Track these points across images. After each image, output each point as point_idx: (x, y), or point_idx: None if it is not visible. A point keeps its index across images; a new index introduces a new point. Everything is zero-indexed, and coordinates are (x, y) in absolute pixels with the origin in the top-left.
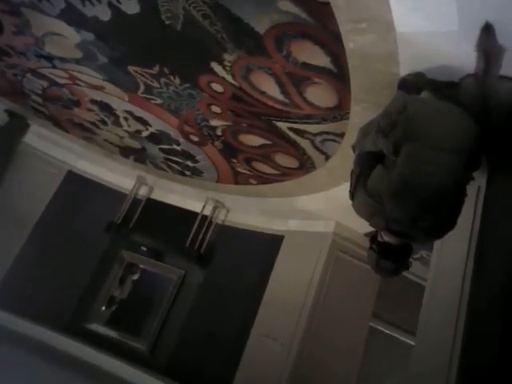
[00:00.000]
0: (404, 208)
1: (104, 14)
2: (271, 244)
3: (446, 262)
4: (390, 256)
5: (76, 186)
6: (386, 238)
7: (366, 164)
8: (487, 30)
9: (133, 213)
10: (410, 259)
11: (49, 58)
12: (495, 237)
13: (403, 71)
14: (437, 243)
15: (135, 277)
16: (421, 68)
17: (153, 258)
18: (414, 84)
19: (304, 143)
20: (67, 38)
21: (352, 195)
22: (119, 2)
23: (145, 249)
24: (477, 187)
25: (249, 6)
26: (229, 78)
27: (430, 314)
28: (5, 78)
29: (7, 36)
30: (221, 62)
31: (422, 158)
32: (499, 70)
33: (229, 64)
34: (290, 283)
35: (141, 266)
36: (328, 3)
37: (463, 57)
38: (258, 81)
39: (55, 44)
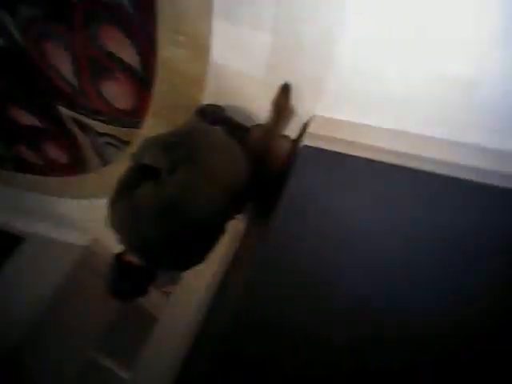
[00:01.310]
0: (160, 231)
1: None
2: (10, 244)
3: (186, 297)
4: (130, 278)
5: None
6: (131, 257)
7: (138, 176)
8: (285, 88)
9: None
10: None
11: None
12: (234, 279)
13: (206, 99)
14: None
15: None
16: (223, 102)
17: None
18: (211, 115)
19: (83, 140)
20: None
21: (111, 205)
22: None
23: None
24: (236, 231)
25: None
26: (16, 34)
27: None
28: None
29: None
30: (13, 13)
31: (193, 185)
32: (284, 129)
33: (22, 19)
34: (23, 292)
35: None
36: (154, 1)
37: (264, 105)
38: (52, 53)
39: None
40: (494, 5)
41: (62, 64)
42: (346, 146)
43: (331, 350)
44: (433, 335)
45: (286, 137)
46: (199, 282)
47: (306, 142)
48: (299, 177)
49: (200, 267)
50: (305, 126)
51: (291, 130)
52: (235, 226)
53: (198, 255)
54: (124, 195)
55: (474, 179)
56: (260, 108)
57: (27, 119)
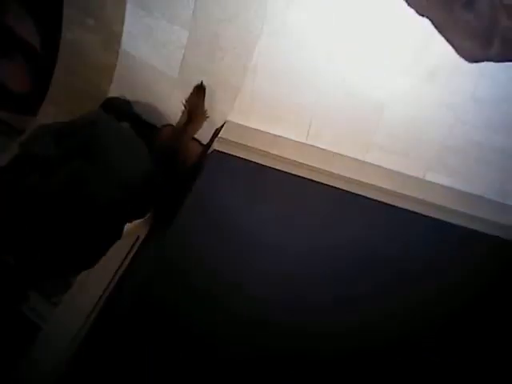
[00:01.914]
0: (42, 227)
1: None
2: None
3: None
4: (4, 280)
5: None
6: (6, 257)
7: (25, 167)
8: (199, 90)
9: None
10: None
11: None
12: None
13: (114, 92)
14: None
15: None
16: (131, 97)
17: None
18: (117, 109)
19: None
20: None
21: None
22: None
23: None
24: (136, 236)
25: None
26: None
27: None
28: None
29: None
30: None
31: (85, 179)
32: (196, 132)
33: None
34: None
35: None
36: None
37: (175, 104)
38: None
39: None
40: (408, 33)
41: None
42: (257, 154)
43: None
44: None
45: (196, 140)
46: (91, 289)
47: (217, 147)
48: (206, 181)
49: (93, 273)
50: (217, 131)
51: (202, 134)
52: (135, 230)
53: (85, 258)
54: (4, 185)
55: (377, 198)
56: (171, 108)
57: None
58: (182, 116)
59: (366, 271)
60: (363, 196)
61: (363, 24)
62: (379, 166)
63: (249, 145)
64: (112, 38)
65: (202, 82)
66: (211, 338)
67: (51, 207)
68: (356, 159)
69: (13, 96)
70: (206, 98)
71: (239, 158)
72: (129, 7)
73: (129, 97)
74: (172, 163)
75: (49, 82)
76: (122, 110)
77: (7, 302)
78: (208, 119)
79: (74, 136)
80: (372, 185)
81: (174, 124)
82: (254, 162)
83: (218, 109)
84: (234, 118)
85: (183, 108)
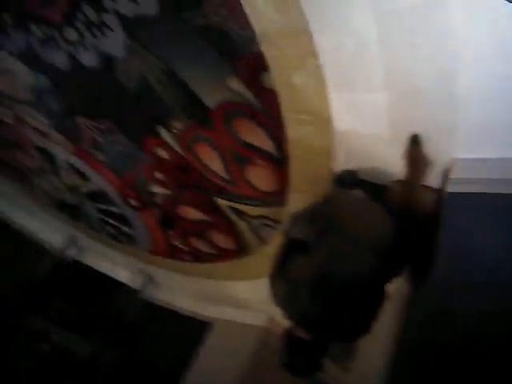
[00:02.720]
0: (317, 301)
1: (62, 62)
2: (198, 329)
3: (364, 368)
4: (302, 353)
5: None
6: (299, 332)
7: (289, 251)
8: (414, 140)
9: (55, 274)
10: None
11: None
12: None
13: (339, 166)
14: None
15: (45, 347)
16: (354, 166)
17: (66, 328)
18: (346, 181)
19: (242, 225)
20: (21, 77)
21: (270, 282)
22: (78, 53)
23: (58, 317)
24: (401, 295)
25: (202, 80)
26: (175, 145)
27: None
28: None
29: None
30: (169, 128)
31: (340, 251)
32: (425, 179)
33: (176, 131)
34: (212, 376)
35: (51, 336)
36: (274, 91)
37: (392, 161)
38: (203, 153)
39: (7, 82)
40: None
41: (213, 161)
42: (491, 185)
43: None
44: None
45: (428, 188)
46: (375, 352)
47: (450, 188)
48: (452, 226)
49: (374, 336)
50: (446, 173)
51: (432, 179)
52: (400, 289)
53: (360, 321)
54: (280, 271)
55: None
56: (392, 164)
57: (194, 214)
58: (406, 169)
59: None
60: None
61: None
62: None
63: (479, 177)
64: (325, 123)
65: (414, 133)
66: None
67: (320, 282)
68: None
69: (265, 195)
70: (422, 144)
71: (474, 193)
72: (330, 91)
73: (352, 166)
74: (410, 216)
75: (288, 176)
76: (350, 180)
77: (306, 371)
78: (432, 163)
79: (320, 217)
80: None
81: (401, 179)
82: (492, 193)
83: (439, 150)
84: (457, 154)
85: (405, 161)
